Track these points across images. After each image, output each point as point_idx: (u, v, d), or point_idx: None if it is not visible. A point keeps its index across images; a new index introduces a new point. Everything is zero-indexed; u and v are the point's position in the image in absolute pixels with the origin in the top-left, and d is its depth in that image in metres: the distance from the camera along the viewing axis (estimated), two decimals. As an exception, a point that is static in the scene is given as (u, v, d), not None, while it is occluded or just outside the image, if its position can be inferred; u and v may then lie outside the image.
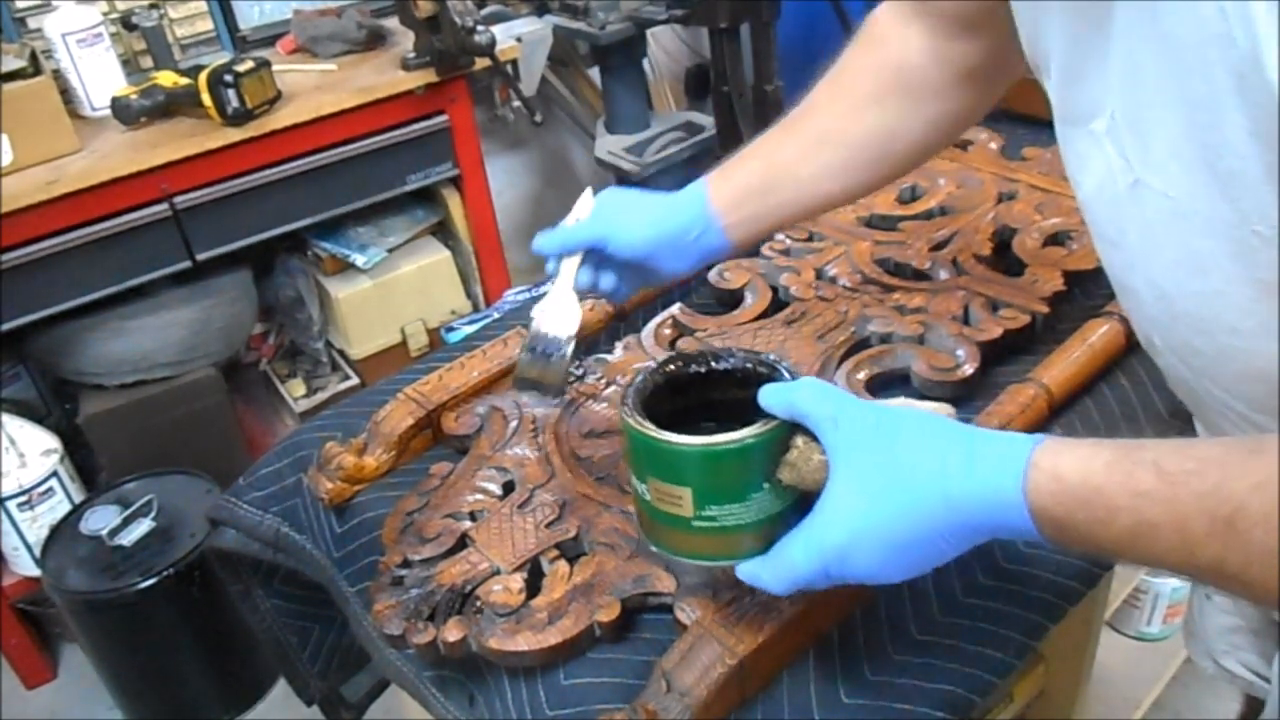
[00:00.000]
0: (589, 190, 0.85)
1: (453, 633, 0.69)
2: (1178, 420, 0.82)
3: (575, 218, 0.83)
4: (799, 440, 0.59)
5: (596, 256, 0.82)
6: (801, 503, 0.60)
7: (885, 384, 0.90)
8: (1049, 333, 0.93)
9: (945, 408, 0.62)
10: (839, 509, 0.56)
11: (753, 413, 0.60)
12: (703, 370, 0.67)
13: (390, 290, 2.14)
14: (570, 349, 0.82)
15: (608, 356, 0.95)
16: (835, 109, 0.82)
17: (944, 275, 0.99)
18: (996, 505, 0.52)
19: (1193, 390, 0.62)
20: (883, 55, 0.81)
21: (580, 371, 0.93)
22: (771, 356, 0.66)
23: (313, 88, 1.90)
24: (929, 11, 0.78)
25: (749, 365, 0.65)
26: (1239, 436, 0.51)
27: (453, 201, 2.14)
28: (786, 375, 0.63)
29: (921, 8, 0.78)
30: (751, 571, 0.61)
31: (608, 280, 0.84)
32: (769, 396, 0.59)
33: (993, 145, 1.21)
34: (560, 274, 0.83)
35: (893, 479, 0.55)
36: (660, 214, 0.82)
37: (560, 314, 0.82)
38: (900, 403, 0.62)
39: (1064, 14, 0.57)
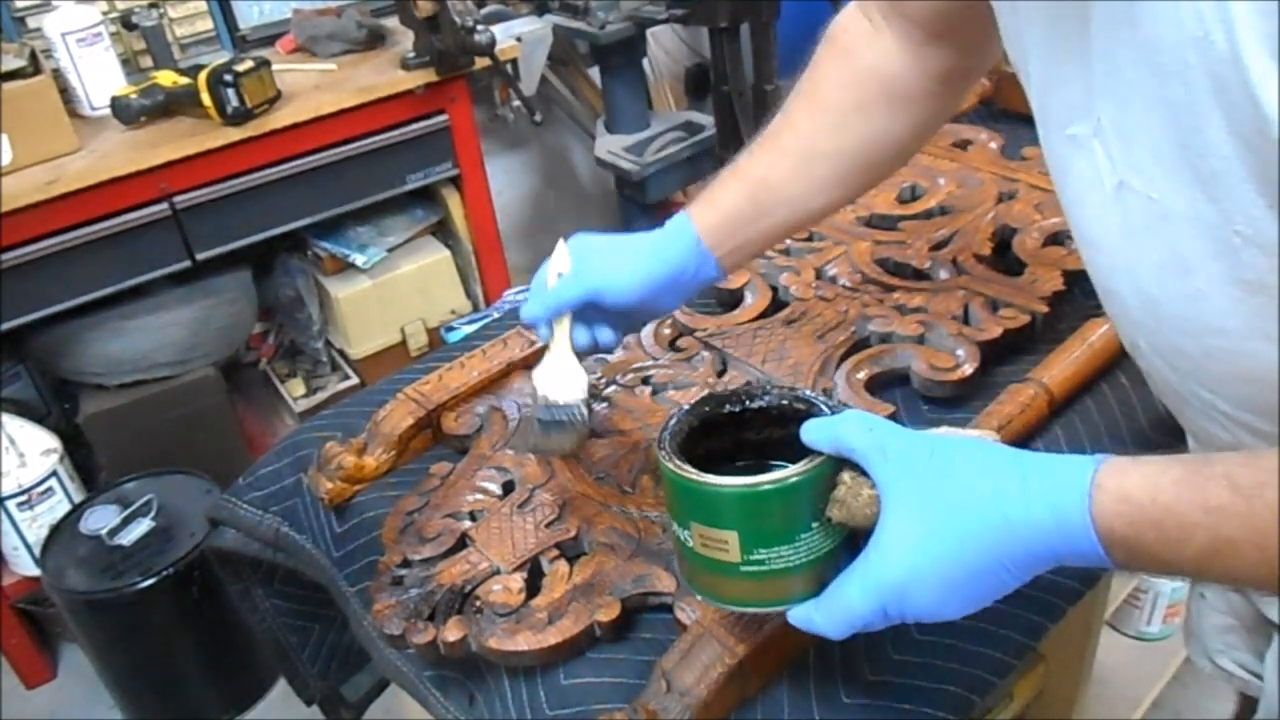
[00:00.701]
0: (562, 242, 0.81)
1: (453, 632, 0.70)
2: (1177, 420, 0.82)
3: (555, 273, 0.79)
4: (846, 476, 0.57)
5: (589, 311, 0.79)
6: (850, 541, 0.58)
7: (885, 384, 0.90)
8: (1049, 332, 0.93)
9: (989, 434, 0.60)
10: (895, 544, 0.54)
11: (791, 450, 0.58)
12: (737, 410, 0.64)
13: (390, 290, 2.14)
14: (586, 411, 0.78)
15: (608, 357, 0.95)
16: (819, 123, 0.80)
17: (944, 275, 0.99)
18: (1061, 531, 0.50)
19: (1177, 393, 0.62)
20: (859, 65, 0.80)
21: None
22: (808, 391, 0.63)
23: (312, 87, 1.90)
24: (900, 20, 0.77)
25: (784, 402, 0.63)
26: None
27: (453, 201, 2.14)
28: (826, 410, 0.60)
29: (892, 12, 0.78)
30: (805, 616, 0.58)
31: (605, 335, 0.81)
32: (812, 432, 0.57)
33: (993, 145, 1.21)
34: (555, 337, 0.79)
35: (950, 509, 0.53)
36: (649, 258, 0.79)
37: (565, 378, 0.78)
38: (944, 432, 0.60)
39: (1042, 19, 0.57)
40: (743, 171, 0.82)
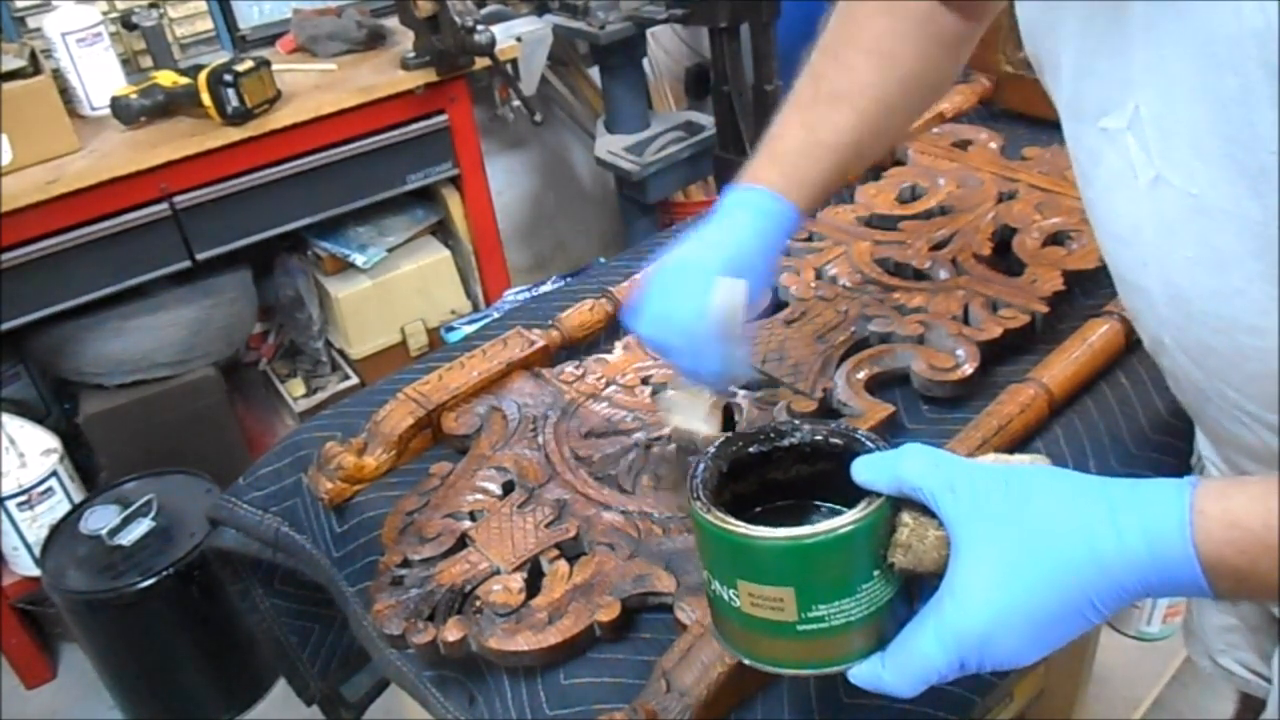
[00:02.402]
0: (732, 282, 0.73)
1: (453, 633, 0.69)
2: (1178, 420, 0.82)
3: (731, 310, 0.72)
4: (907, 517, 0.52)
5: None
6: (907, 588, 0.53)
7: (885, 384, 0.90)
8: (1049, 333, 0.93)
9: (1041, 458, 0.56)
10: (974, 589, 0.49)
11: (824, 488, 0.55)
12: (766, 450, 0.59)
13: (390, 290, 2.14)
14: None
15: (608, 356, 0.95)
16: (887, 80, 0.78)
17: (944, 275, 0.99)
18: (1157, 562, 0.47)
19: (1201, 390, 0.61)
20: (909, 13, 0.79)
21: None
22: (844, 425, 0.59)
23: (312, 87, 1.90)
24: None
25: (818, 438, 0.58)
26: None
27: (453, 201, 2.14)
28: (870, 445, 0.55)
29: None
30: (871, 675, 0.53)
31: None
32: (869, 471, 0.53)
33: (993, 145, 1.21)
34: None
35: (1032, 550, 0.49)
36: (771, 250, 0.76)
37: (703, 419, 0.77)
38: (992, 459, 0.56)
39: (1077, 10, 0.56)
40: (831, 143, 0.78)
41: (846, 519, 0.51)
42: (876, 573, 0.52)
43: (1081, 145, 0.60)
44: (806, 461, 0.58)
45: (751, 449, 0.59)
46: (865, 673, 0.53)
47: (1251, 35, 0.43)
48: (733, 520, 0.52)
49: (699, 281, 0.72)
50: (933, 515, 0.52)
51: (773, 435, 0.59)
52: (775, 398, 0.86)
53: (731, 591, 0.53)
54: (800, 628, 0.52)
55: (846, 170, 0.80)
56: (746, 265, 0.73)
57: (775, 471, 0.59)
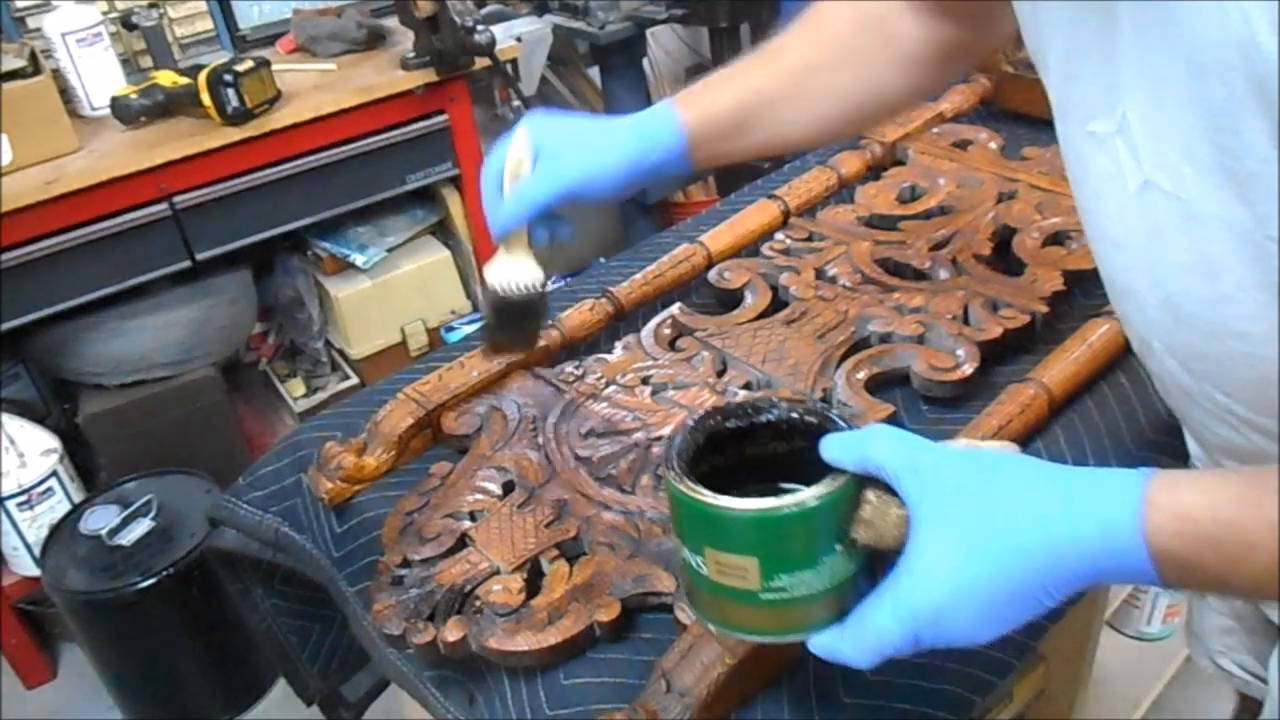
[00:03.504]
0: (520, 128, 0.76)
1: (453, 633, 0.69)
2: (1177, 420, 0.82)
3: (514, 163, 0.75)
4: (871, 494, 0.54)
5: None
6: (870, 564, 0.55)
7: (885, 384, 0.90)
8: (1049, 333, 0.93)
9: (1010, 445, 0.58)
10: (930, 567, 0.51)
11: (798, 466, 0.56)
12: (744, 425, 0.61)
13: (390, 290, 2.14)
14: (542, 296, 0.80)
15: (607, 356, 0.95)
16: (821, 56, 0.80)
17: (944, 275, 0.99)
18: (1109, 550, 0.48)
19: (1190, 395, 0.61)
20: (868, 13, 0.79)
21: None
22: (818, 404, 0.61)
23: (312, 87, 1.90)
24: None
25: (794, 415, 0.60)
26: None
27: (452, 201, 2.14)
28: (842, 424, 0.57)
29: None
30: (829, 645, 0.55)
31: (563, 230, 0.80)
32: (836, 449, 0.54)
33: (993, 145, 1.21)
34: (510, 234, 0.78)
35: (987, 531, 0.50)
36: (632, 152, 0.76)
37: (520, 270, 0.79)
38: (963, 445, 0.58)
39: (1064, 15, 0.56)
40: (738, 81, 0.80)
41: (810, 493, 0.53)
42: (839, 547, 0.54)
43: (1070, 148, 0.60)
44: (784, 439, 0.60)
45: (729, 424, 0.60)
46: (824, 643, 0.55)
47: (1235, 44, 0.43)
48: (703, 490, 0.54)
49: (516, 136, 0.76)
50: (896, 495, 0.53)
51: (750, 411, 0.60)
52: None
53: (700, 559, 0.55)
54: (763, 596, 0.54)
55: (750, 114, 0.79)
56: (583, 142, 0.77)
57: (753, 447, 0.61)
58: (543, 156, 0.74)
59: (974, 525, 0.51)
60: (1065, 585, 0.50)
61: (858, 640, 0.54)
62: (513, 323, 0.79)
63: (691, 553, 0.56)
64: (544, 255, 0.81)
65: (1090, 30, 0.54)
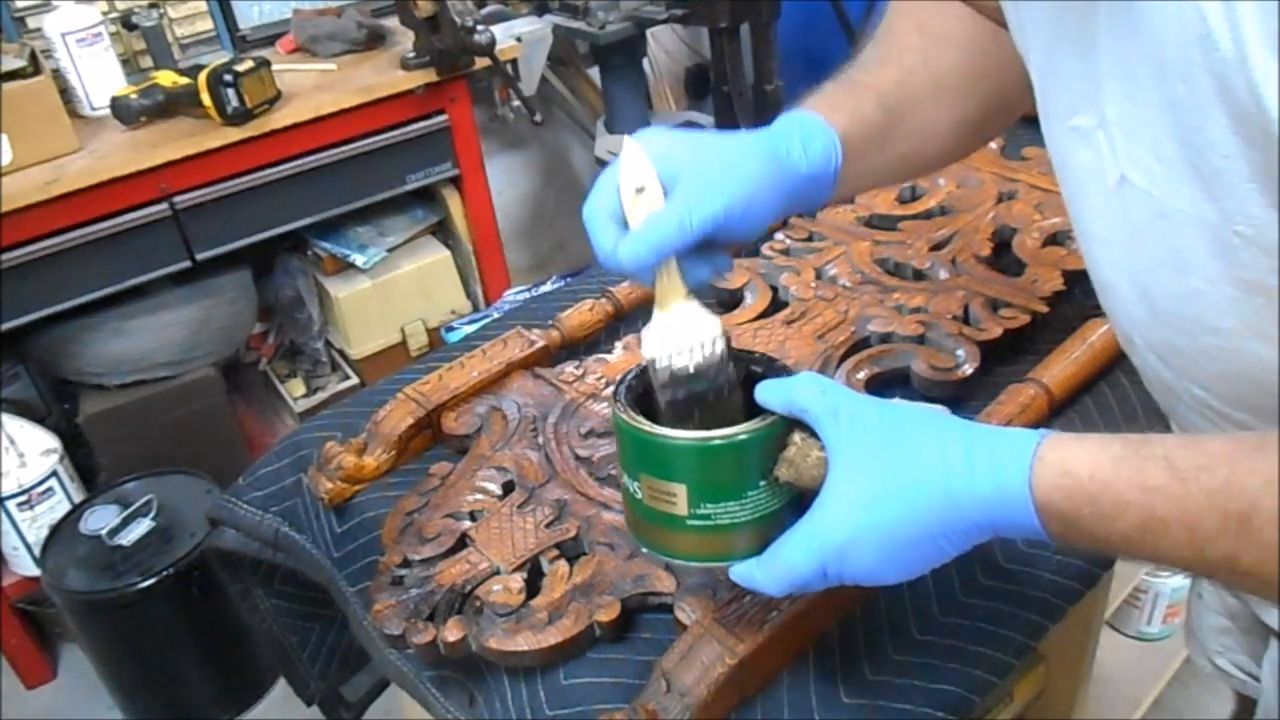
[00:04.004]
0: (631, 142, 0.61)
1: (453, 633, 0.69)
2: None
3: (633, 192, 0.60)
4: (797, 437, 0.57)
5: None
6: (797, 502, 0.58)
7: (885, 384, 0.90)
8: (1049, 332, 0.93)
9: (941, 409, 0.60)
10: (838, 506, 0.55)
11: (750, 411, 0.59)
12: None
13: (390, 290, 2.14)
14: (731, 369, 0.61)
15: (608, 356, 0.95)
16: (947, 53, 0.73)
17: (944, 275, 0.99)
18: (1001, 502, 0.51)
19: (1171, 389, 0.62)
20: (967, 10, 0.74)
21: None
22: (765, 354, 0.64)
23: (312, 87, 1.90)
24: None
25: (745, 362, 0.63)
26: (1243, 433, 0.51)
27: (453, 201, 2.14)
28: (783, 372, 0.61)
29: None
30: (746, 573, 0.59)
31: (721, 260, 0.64)
32: (766, 392, 0.58)
33: (993, 145, 1.21)
34: (660, 283, 0.61)
35: (894, 476, 0.54)
36: (785, 170, 0.64)
37: (694, 330, 0.60)
38: (899, 401, 0.60)
39: (1044, 12, 0.57)
40: (874, 85, 0.70)
41: (737, 429, 0.57)
42: (763, 483, 0.58)
43: (1054, 143, 0.61)
44: (742, 386, 0.62)
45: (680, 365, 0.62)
46: (742, 571, 0.59)
47: (1196, 41, 0.44)
48: (641, 419, 0.58)
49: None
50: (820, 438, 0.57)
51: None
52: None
53: (636, 484, 0.60)
54: (690, 522, 0.58)
55: (895, 117, 0.70)
56: (725, 159, 0.62)
57: (712, 389, 0.62)
58: (682, 177, 0.61)
59: (882, 469, 0.54)
60: (964, 534, 0.53)
61: (770, 570, 0.57)
62: (702, 398, 0.60)
63: (630, 479, 0.60)
64: (708, 298, 0.64)
65: (1070, 26, 0.54)
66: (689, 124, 2.42)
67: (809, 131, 0.66)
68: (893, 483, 0.53)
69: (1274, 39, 0.41)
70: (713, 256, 0.63)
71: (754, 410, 0.58)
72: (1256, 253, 0.47)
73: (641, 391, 0.62)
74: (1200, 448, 0.48)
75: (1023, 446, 0.51)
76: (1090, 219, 0.59)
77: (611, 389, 0.60)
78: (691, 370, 0.60)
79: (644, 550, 0.64)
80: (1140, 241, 0.54)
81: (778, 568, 0.57)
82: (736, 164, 0.62)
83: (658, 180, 0.61)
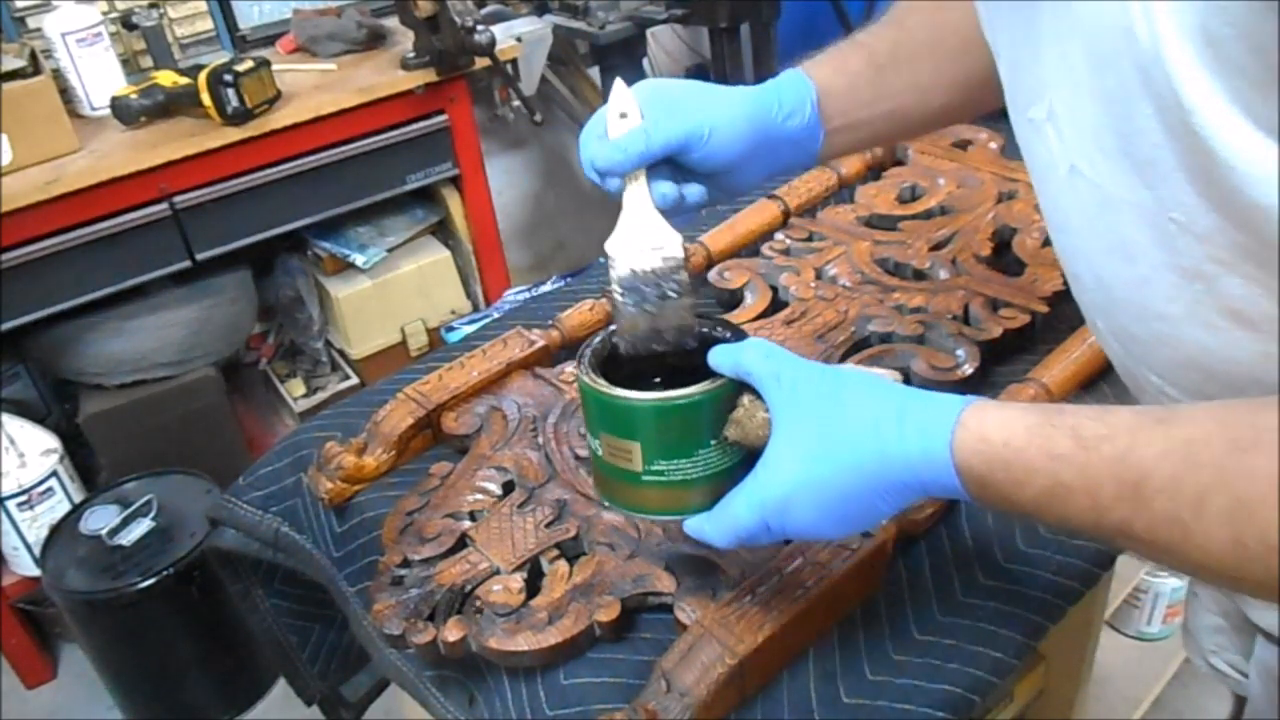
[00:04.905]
0: (620, 84, 0.68)
1: (453, 633, 0.69)
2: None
3: (620, 117, 0.67)
4: (745, 399, 0.61)
5: (662, 169, 0.68)
6: (747, 461, 0.61)
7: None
8: (1049, 332, 0.93)
9: (893, 373, 0.63)
10: (779, 464, 0.58)
11: (706, 374, 0.62)
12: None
13: (390, 290, 2.14)
14: (688, 272, 0.66)
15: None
16: (946, 14, 0.74)
17: (944, 275, 0.99)
18: (927, 463, 0.54)
19: (1133, 375, 0.63)
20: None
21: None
22: (726, 319, 0.66)
23: (312, 87, 1.90)
24: None
25: (704, 329, 0.66)
26: (1152, 407, 0.52)
27: (453, 201, 2.14)
28: (735, 337, 0.64)
29: None
30: (697, 526, 0.62)
31: (694, 190, 0.69)
32: (717, 356, 0.61)
33: (993, 145, 1.21)
34: (629, 194, 0.67)
35: (830, 436, 0.56)
36: (753, 104, 0.70)
37: (653, 239, 0.66)
38: (848, 366, 0.63)
39: (1001, 7, 0.58)
40: (866, 43, 0.75)
41: (689, 391, 0.60)
42: (714, 442, 0.61)
43: (1019, 135, 0.62)
44: (702, 351, 0.64)
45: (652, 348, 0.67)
46: (693, 524, 0.62)
47: (1120, 33, 0.45)
48: (601, 381, 0.62)
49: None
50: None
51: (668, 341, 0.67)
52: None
53: (597, 442, 0.64)
54: (645, 478, 0.62)
55: (884, 71, 0.74)
56: (700, 91, 0.70)
57: (675, 358, 0.67)
58: (656, 102, 0.67)
59: (819, 429, 0.57)
60: (896, 492, 0.56)
61: (718, 523, 0.61)
62: (650, 304, 0.65)
63: (592, 437, 0.64)
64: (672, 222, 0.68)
65: (1024, 20, 0.55)
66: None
67: (786, 81, 0.73)
68: (829, 442, 0.56)
69: (1187, 32, 0.42)
70: (684, 182, 0.70)
71: (710, 374, 0.62)
72: (1191, 241, 0.48)
73: (605, 356, 0.66)
74: (1106, 419, 0.50)
75: (948, 412, 0.54)
76: (1052, 209, 0.61)
77: (578, 354, 0.65)
78: (649, 269, 0.65)
79: (605, 504, 0.69)
80: (1093, 229, 0.55)
81: (724, 521, 0.60)
82: (708, 98, 0.69)
83: (638, 108, 0.67)
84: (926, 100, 0.77)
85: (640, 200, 0.67)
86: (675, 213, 0.69)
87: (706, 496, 0.62)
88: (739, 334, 0.65)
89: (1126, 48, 0.45)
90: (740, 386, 0.61)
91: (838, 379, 0.58)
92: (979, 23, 0.70)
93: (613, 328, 0.67)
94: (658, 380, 0.65)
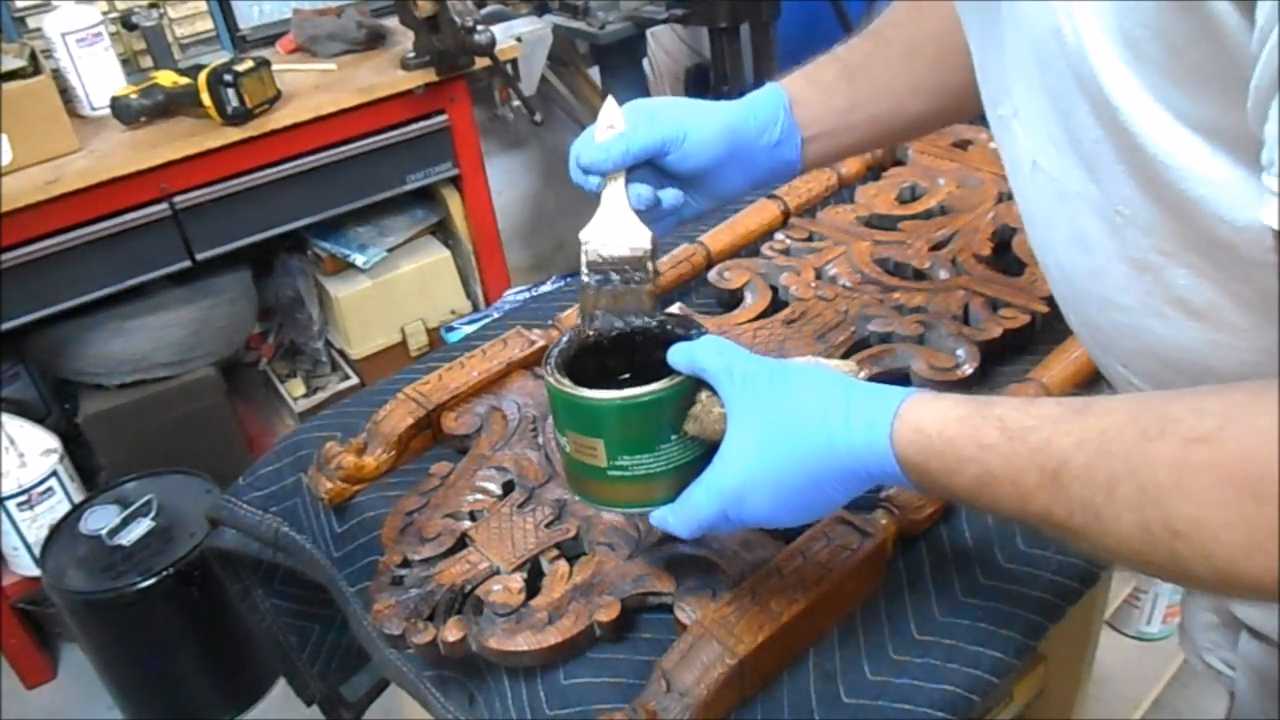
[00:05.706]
0: (611, 100, 0.74)
1: (452, 633, 0.69)
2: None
3: (608, 128, 0.72)
4: (703, 395, 0.63)
5: (644, 172, 0.73)
6: (708, 454, 0.63)
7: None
8: (1049, 332, 0.93)
9: (850, 365, 0.66)
10: (734, 456, 0.60)
11: (668, 372, 0.64)
12: (627, 330, 0.70)
13: (390, 290, 2.14)
14: (652, 267, 0.71)
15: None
16: (924, 24, 0.77)
17: (944, 275, 0.99)
18: (870, 453, 0.56)
19: (1104, 366, 0.65)
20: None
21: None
22: (687, 319, 0.68)
23: (312, 87, 1.90)
24: None
25: (668, 327, 0.69)
26: (1074, 397, 0.53)
27: (453, 201, 2.14)
28: (694, 335, 0.66)
29: None
30: (661, 517, 0.64)
31: (670, 194, 0.74)
32: (675, 354, 0.63)
33: (993, 145, 1.21)
34: (608, 192, 0.72)
35: (781, 428, 0.58)
36: (730, 112, 0.74)
37: (623, 232, 0.72)
38: (808, 361, 0.65)
39: (971, 8, 0.60)
40: (840, 55, 0.78)
41: (648, 389, 0.62)
42: (674, 437, 0.64)
43: (994, 132, 0.63)
44: (664, 347, 0.66)
45: (611, 329, 0.70)
46: (658, 516, 0.64)
47: (1052, 34, 0.47)
48: (566, 381, 0.65)
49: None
50: None
51: (626, 322, 0.70)
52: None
53: (564, 440, 0.66)
54: (610, 473, 0.64)
55: (857, 79, 0.77)
56: (680, 103, 0.75)
57: (640, 353, 0.69)
58: (639, 113, 0.72)
59: (771, 421, 0.59)
60: (845, 481, 0.58)
61: (680, 514, 0.63)
62: (616, 288, 0.70)
63: (560, 435, 0.67)
64: (646, 220, 0.73)
65: (990, 20, 0.57)
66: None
67: (760, 93, 0.77)
68: (780, 434, 0.58)
69: (1109, 32, 0.44)
70: (663, 186, 0.74)
71: (671, 372, 0.64)
72: (1137, 233, 0.50)
73: (571, 356, 0.68)
74: (1031, 410, 0.51)
75: (889, 404, 0.56)
76: (1021, 202, 0.62)
77: (544, 354, 0.68)
78: (616, 256, 0.71)
79: (576, 498, 0.71)
80: (1054, 222, 0.57)
81: (686, 512, 0.62)
82: (686, 108, 0.73)
83: (624, 121, 0.72)
84: (903, 106, 0.79)
85: (617, 198, 0.73)
86: (654, 216, 0.73)
87: (670, 489, 0.64)
88: (699, 331, 0.67)
89: (1058, 48, 0.47)
90: (698, 383, 0.63)
91: (787, 373, 0.60)
92: (958, 30, 0.73)
93: (576, 329, 0.69)
94: (623, 378, 0.67)
